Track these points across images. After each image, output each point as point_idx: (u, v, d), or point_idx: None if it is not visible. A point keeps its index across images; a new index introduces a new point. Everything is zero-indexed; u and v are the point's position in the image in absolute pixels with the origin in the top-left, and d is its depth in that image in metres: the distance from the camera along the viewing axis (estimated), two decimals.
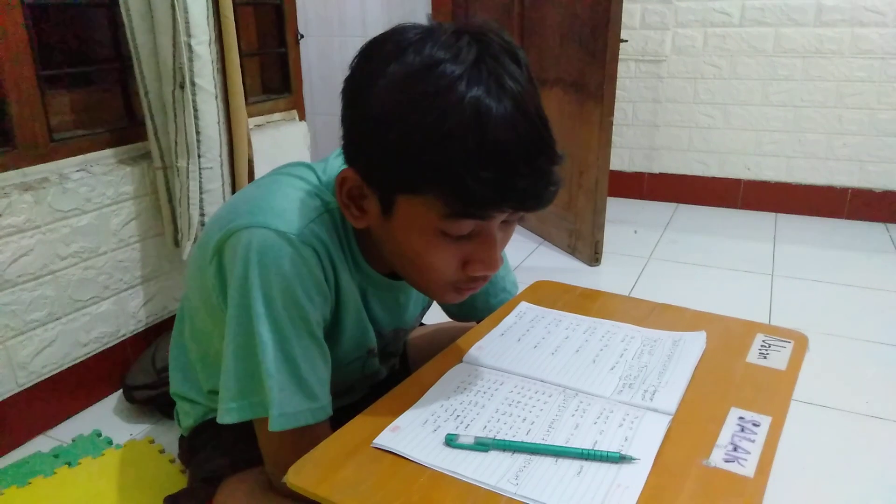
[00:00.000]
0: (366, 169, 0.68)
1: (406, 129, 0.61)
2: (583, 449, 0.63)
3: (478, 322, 1.05)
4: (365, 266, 0.80)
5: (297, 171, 0.80)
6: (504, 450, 0.64)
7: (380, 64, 0.64)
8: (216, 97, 1.41)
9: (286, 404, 0.71)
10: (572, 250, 2.42)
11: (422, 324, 1.22)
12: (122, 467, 1.29)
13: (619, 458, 0.62)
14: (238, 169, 1.53)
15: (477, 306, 1.02)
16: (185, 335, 0.92)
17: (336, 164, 0.80)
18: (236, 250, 0.70)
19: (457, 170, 0.60)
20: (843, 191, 2.72)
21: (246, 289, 0.70)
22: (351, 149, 0.70)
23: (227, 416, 0.73)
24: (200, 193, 1.43)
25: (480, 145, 0.59)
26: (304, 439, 0.72)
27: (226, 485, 0.86)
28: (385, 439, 0.66)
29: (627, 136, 3.02)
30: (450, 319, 1.13)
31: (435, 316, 1.13)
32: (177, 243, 1.54)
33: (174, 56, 1.36)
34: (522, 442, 0.64)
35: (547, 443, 0.64)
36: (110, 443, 1.37)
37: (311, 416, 0.73)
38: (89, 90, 1.53)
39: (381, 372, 0.99)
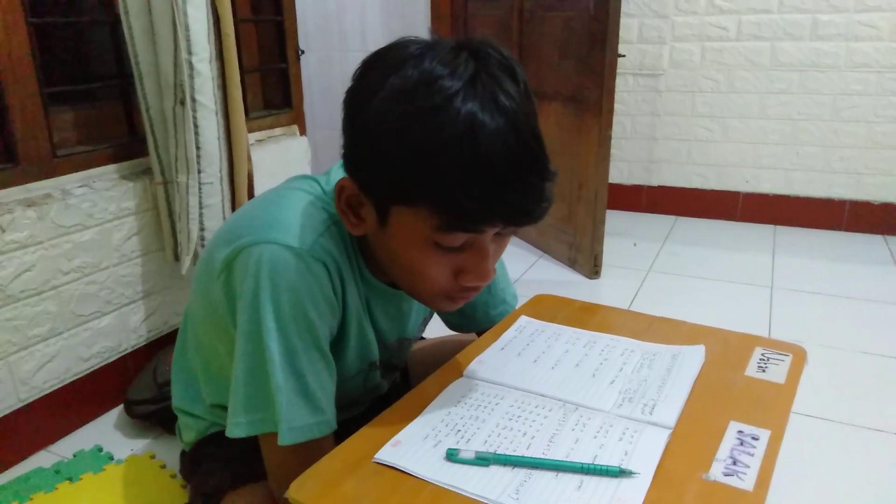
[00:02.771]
0: (363, 179, 0.69)
1: (402, 141, 0.63)
2: (583, 463, 0.63)
3: (478, 333, 1.06)
4: (369, 275, 0.81)
5: (301, 185, 0.81)
6: (505, 464, 0.64)
7: (380, 76, 0.65)
8: (216, 113, 1.42)
9: (295, 418, 0.71)
10: (572, 263, 2.42)
11: (422, 338, 1.22)
12: (123, 483, 1.29)
13: (619, 473, 0.62)
14: (238, 184, 1.54)
15: (477, 318, 1.03)
16: (189, 349, 0.92)
17: (338, 175, 0.81)
18: (247, 266, 0.71)
19: (448, 184, 0.61)
20: (841, 203, 2.73)
21: (256, 304, 0.70)
22: (349, 158, 0.71)
23: (237, 430, 0.74)
24: (200, 209, 1.44)
25: (472, 160, 0.60)
26: (310, 453, 0.72)
27: (227, 500, 0.86)
28: (386, 454, 0.66)
29: (626, 150, 3.03)
30: (450, 333, 1.13)
31: (436, 330, 1.13)
32: (177, 258, 1.55)
33: (175, 73, 1.37)
34: (523, 456, 0.64)
35: (547, 457, 0.64)
36: (111, 458, 1.37)
37: (318, 430, 0.73)
38: (92, 106, 1.54)
39: (383, 386, 0.99)
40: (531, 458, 0.64)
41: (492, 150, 0.61)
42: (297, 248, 0.71)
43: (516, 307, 1.05)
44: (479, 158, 0.60)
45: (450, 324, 1.08)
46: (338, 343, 0.81)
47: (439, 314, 1.06)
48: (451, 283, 0.71)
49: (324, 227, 0.75)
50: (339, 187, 0.71)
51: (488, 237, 0.68)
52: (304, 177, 0.84)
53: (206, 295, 0.80)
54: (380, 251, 0.75)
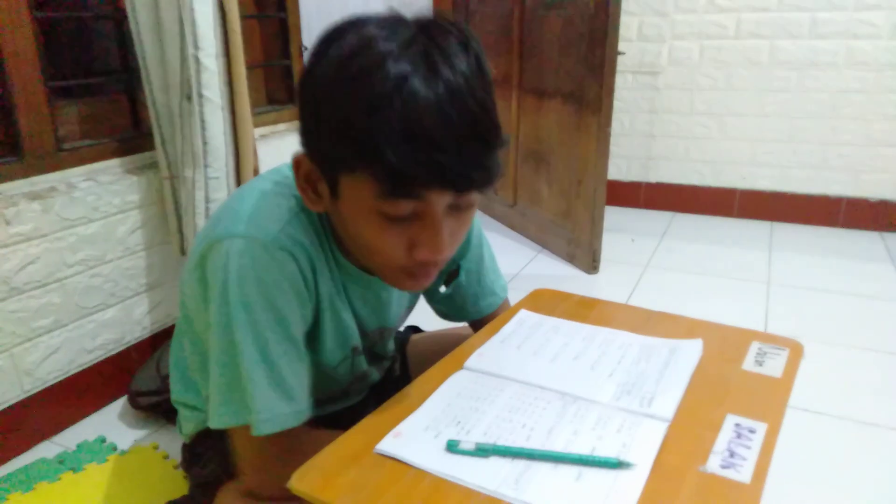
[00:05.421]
0: (311, 149, 0.69)
1: (337, 105, 0.62)
2: (581, 455, 0.64)
3: (470, 324, 1.07)
4: (343, 261, 0.81)
5: (274, 175, 0.81)
6: (504, 455, 0.65)
7: (323, 47, 0.65)
8: (223, 108, 1.43)
9: (269, 409, 0.71)
10: (571, 258, 2.43)
11: (419, 330, 1.23)
12: (126, 473, 1.30)
13: (617, 465, 0.62)
14: (244, 179, 1.54)
15: (466, 308, 1.04)
16: (184, 342, 0.92)
17: None
18: (216, 261, 0.72)
19: (380, 144, 0.60)
20: (838, 200, 2.75)
21: (226, 298, 0.71)
22: (301, 131, 0.70)
23: (216, 421, 0.75)
24: (206, 203, 1.44)
25: (402, 120, 0.59)
26: (284, 443, 0.73)
27: (223, 490, 0.87)
28: (387, 445, 0.66)
29: (625, 147, 3.04)
30: (449, 325, 1.14)
31: (434, 322, 1.14)
32: (183, 252, 1.55)
33: (182, 68, 1.38)
34: (522, 448, 0.65)
35: (546, 449, 0.65)
36: (115, 449, 1.38)
37: (293, 419, 0.73)
38: (97, 101, 1.55)
39: (373, 374, 1.00)
40: (530, 449, 0.65)
41: (422, 111, 0.59)
42: (262, 240, 0.71)
43: (505, 298, 1.07)
44: (409, 118, 0.59)
45: (440, 313, 1.08)
46: (315, 331, 0.81)
47: (429, 303, 1.07)
48: (407, 257, 0.69)
49: (290, 214, 0.75)
50: (296, 163, 0.71)
51: (437, 207, 0.65)
52: (284, 165, 0.83)
53: (192, 288, 0.81)
54: (341, 228, 0.75)
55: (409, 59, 0.60)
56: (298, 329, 0.76)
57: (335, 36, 0.65)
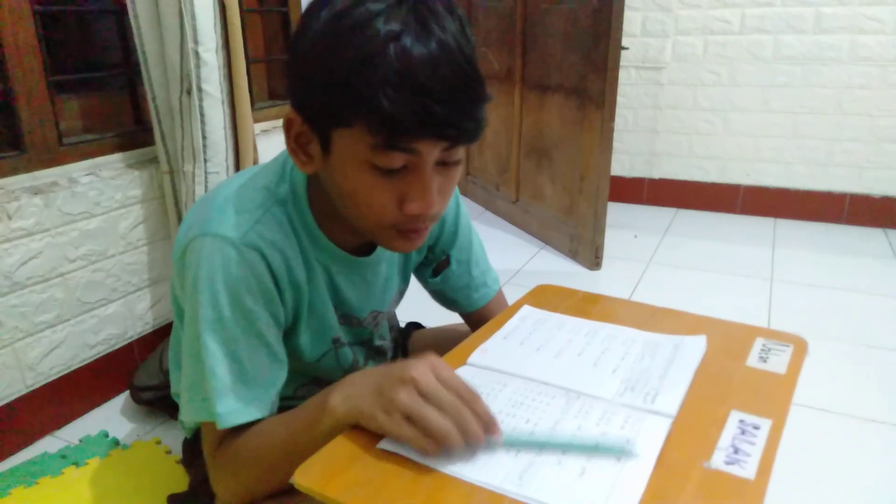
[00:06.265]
0: (304, 108, 0.70)
1: (330, 60, 0.64)
2: (586, 444, 0.64)
3: (464, 317, 1.08)
4: (327, 244, 0.82)
5: (247, 172, 0.83)
6: (509, 449, 0.65)
7: (315, 11, 0.68)
8: (223, 103, 1.43)
9: (231, 401, 0.73)
10: (573, 254, 2.43)
11: (420, 326, 1.23)
12: (128, 468, 1.30)
13: (621, 452, 0.63)
14: None
15: (458, 300, 1.04)
16: (180, 332, 0.93)
17: None
18: (191, 258, 0.74)
19: (374, 93, 0.62)
20: (842, 196, 2.74)
21: (196, 294, 0.73)
22: (293, 92, 0.72)
23: (183, 415, 0.77)
24: None
25: (396, 70, 0.61)
26: (248, 437, 0.74)
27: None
28: (391, 441, 0.66)
29: (628, 142, 3.03)
30: (452, 322, 1.14)
31: (435, 319, 1.14)
32: None
33: (181, 62, 1.37)
34: (529, 435, 0.65)
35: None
36: (117, 443, 1.38)
37: (256, 412, 0.74)
38: (98, 95, 1.55)
39: (366, 367, 1.00)
40: (536, 439, 0.65)
41: (416, 61, 0.62)
42: (231, 238, 0.73)
43: (499, 290, 1.07)
44: (402, 69, 0.62)
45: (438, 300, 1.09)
46: (292, 327, 0.83)
47: (428, 291, 1.07)
48: (397, 213, 0.71)
49: (261, 211, 0.76)
50: (287, 122, 0.72)
51: (427, 162, 0.68)
52: (261, 163, 0.85)
53: (176, 280, 0.83)
54: (331, 191, 0.75)
55: (400, 18, 0.63)
56: (268, 326, 0.77)
57: (325, 3, 0.67)
